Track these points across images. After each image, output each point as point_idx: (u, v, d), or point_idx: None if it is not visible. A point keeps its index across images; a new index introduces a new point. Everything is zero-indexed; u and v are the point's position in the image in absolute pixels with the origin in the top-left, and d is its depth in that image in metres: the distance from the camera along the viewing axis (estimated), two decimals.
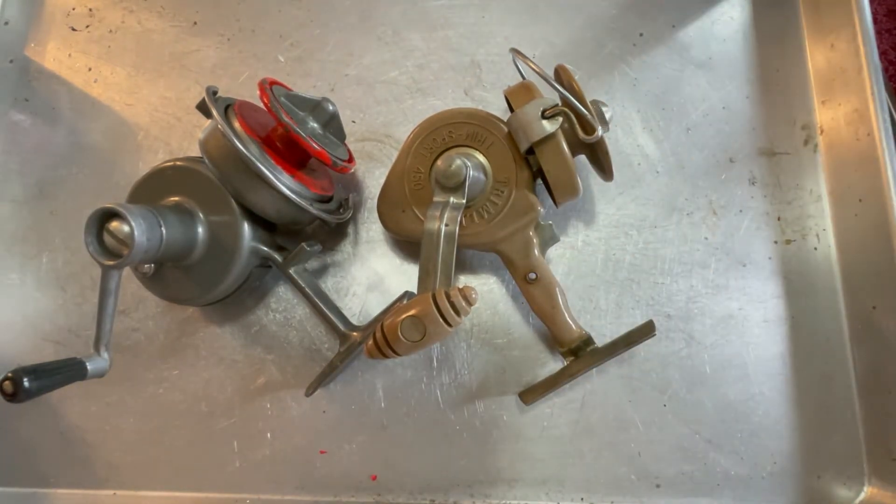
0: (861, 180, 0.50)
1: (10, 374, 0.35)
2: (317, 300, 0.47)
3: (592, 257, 0.52)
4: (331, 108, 0.47)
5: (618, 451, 0.49)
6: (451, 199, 0.45)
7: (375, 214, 0.50)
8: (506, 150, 0.47)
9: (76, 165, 0.56)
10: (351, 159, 0.50)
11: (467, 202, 0.46)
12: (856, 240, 0.50)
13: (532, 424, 0.49)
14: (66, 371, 0.38)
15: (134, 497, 0.50)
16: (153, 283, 0.46)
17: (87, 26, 0.59)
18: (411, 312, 0.40)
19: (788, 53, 0.56)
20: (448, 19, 0.58)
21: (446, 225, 0.44)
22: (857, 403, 0.49)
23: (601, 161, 0.47)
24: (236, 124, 0.44)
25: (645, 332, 0.46)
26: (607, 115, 0.46)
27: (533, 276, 0.46)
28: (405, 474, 0.49)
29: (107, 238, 0.39)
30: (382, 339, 0.41)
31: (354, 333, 0.47)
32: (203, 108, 0.44)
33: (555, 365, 0.50)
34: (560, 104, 0.44)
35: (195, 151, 0.55)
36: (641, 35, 0.57)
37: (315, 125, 0.46)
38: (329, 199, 0.49)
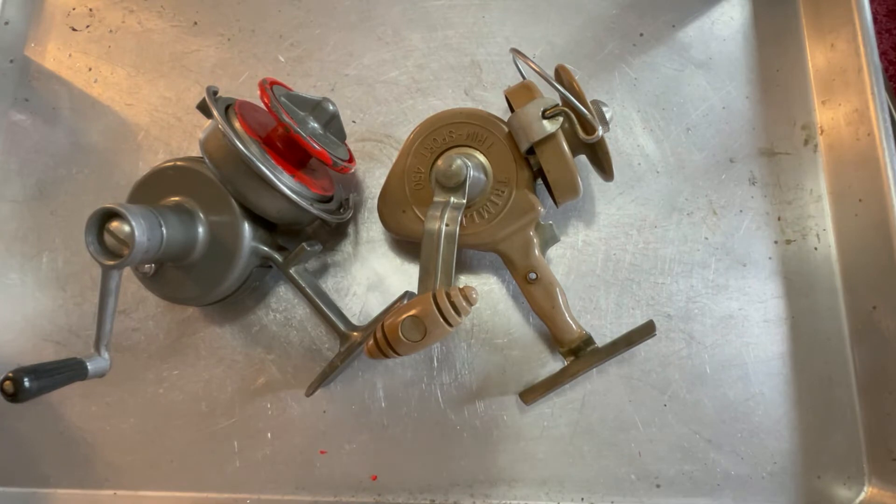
0: (861, 180, 0.50)
1: (10, 374, 0.35)
2: (317, 300, 0.47)
3: (592, 257, 0.52)
4: (331, 108, 0.47)
5: (618, 451, 0.49)
6: (452, 199, 0.45)
7: (375, 214, 0.50)
8: (506, 150, 0.47)
9: (76, 165, 0.56)
10: (351, 159, 0.50)
11: (468, 202, 0.46)
12: (856, 240, 0.50)
13: (532, 424, 0.49)
14: (67, 371, 0.38)
15: (134, 497, 0.50)
16: (153, 283, 0.46)
17: (87, 26, 0.59)
18: (412, 312, 0.40)
19: (788, 53, 0.56)
20: (448, 19, 0.58)
21: (447, 225, 0.44)
22: (857, 403, 0.49)
23: (601, 161, 0.47)
24: (237, 124, 0.44)
25: (645, 332, 0.46)
26: (607, 115, 0.46)
27: (533, 276, 0.46)
28: (405, 474, 0.49)
29: (107, 238, 0.39)
30: (383, 338, 0.41)
31: (355, 333, 0.47)
32: (203, 108, 0.44)
33: (555, 365, 0.50)
34: (560, 104, 0.44)
35: (195, 151, 0.55)
36: (641, 35, 0.57)
37: (315, 125, 0.46)
38: (329, 199, 0.49)
